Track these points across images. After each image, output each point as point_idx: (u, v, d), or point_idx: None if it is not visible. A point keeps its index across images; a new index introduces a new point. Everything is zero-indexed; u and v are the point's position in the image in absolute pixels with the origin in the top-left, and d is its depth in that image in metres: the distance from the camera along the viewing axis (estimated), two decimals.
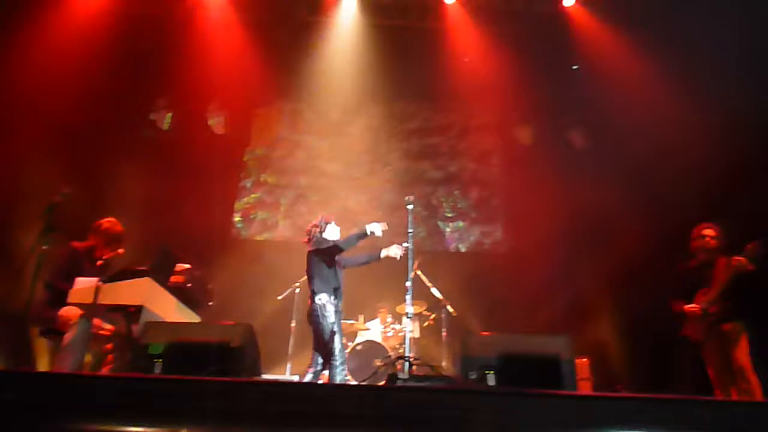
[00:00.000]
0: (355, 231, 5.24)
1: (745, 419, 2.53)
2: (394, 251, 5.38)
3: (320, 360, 4.99)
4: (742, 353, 4.69)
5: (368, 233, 5.13)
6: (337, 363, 4.77)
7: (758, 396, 4.47)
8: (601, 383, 6.83)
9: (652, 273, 6.42)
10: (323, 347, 4.88)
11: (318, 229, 5.32)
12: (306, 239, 5.34)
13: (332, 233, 5.38)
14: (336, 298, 5.06)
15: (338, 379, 4.73)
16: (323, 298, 4.96)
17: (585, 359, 6.76)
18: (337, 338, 4.82)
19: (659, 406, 2.61)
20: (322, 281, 5.04)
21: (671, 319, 5.26)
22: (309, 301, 5.07)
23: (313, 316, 4.93)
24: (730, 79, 6.75)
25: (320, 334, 4.87)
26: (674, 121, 7.34)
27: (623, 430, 2.42)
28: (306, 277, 5.18)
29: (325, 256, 5.14)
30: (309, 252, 5.21)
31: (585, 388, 6.52)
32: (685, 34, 7.39)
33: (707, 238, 5.14)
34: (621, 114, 8.14)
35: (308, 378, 5.01)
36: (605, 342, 7.81)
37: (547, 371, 3.21)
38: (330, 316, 4.90)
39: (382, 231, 5.12)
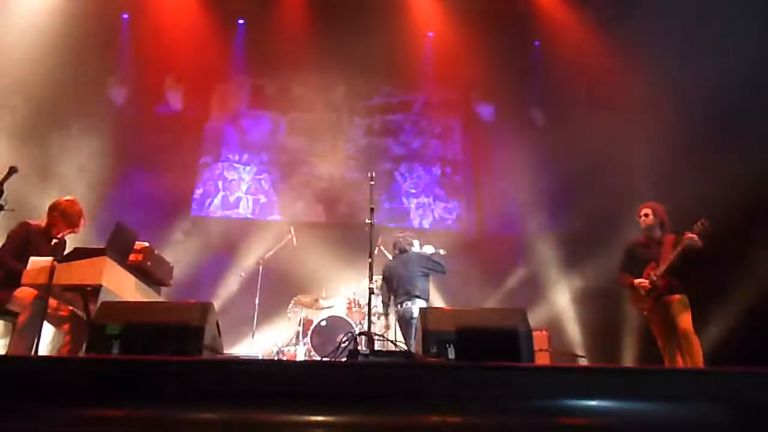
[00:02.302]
0: None
1: (690, 385, 2.65)
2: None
3: None
4: (687, 319, 4.95)
5: None
6: None
7: (699, 356, 4.74)
8: (560, 353, 7.04)
9: (607, 248, 6.60)
10: None
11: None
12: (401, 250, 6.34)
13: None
14: None
15: None
16: None
17: (544, 331, 6.95)
18: None
19: (612, 375, 2.71)
20: None
21: (622, 293, 5.47)
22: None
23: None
24: (688, 58, 6.90)
25: None
26: (635, 98, 7.49)
27: (578, 399, 2.49)
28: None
29: None
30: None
31: (544, 359, 6.71)
32: (644, 12, 7.51)
33: (643, 217, 5.36)
34: (582, 90, 8.26)
35: None
36: (562, 315, 8.04)
37: (505, 344, 3.29)
38: None
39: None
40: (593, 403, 2.44)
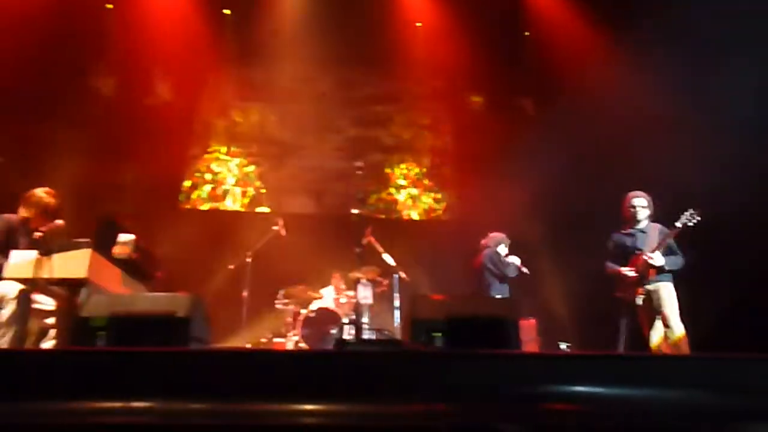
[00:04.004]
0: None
1: (676, 371, 2.67)
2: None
3: None
4: (672, 308, 4.98)
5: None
6: None
7: (685, 344, 4.78)
8: (548, 342, 7.07)
9: (593, 238, 6.62)
10: None
11: None
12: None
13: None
14: None
15: None
16: None
17: (532, 320, 6.97)
18: None
19: (599, 362, 2.73)
20: None
21: (608, 282, 5.49)
22: None
23: None
24: (675, 48, 6.91)
25: None
26: (626, 86, 7.49)
27: (565, 386, 2.50)
28: None
29: None
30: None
31: (532, 348, 6.74)
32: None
33: (638, 208, 5.36)
34: (571, 81, 8.25)
35: None
36: (550, 304, 8.08)
37: (493, 332, 3.31)
38: None
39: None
40: (581, 389, 2.45)
